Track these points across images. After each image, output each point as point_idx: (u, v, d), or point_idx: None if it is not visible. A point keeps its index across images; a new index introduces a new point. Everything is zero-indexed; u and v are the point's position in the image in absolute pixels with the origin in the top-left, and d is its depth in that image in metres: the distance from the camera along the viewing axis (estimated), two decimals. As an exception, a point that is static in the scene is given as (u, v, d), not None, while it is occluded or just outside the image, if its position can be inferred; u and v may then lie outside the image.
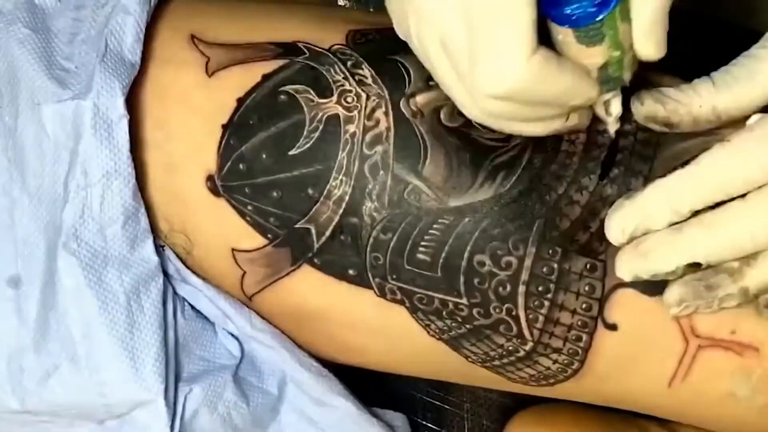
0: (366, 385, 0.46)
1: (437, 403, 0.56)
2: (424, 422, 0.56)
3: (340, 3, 0.60)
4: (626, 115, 0.36)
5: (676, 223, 0.34)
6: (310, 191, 0.39)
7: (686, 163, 0.33)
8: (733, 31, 0.55)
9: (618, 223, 0.35)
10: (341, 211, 0.38)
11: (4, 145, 0.39)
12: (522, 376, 0.40)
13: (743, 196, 0.32)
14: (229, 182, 0.40)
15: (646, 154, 0.37)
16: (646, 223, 0.34)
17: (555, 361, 0.38)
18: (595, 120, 0.37)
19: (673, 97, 0.35)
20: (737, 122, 0.34)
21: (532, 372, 0.39)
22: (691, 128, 0.35)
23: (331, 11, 0.45)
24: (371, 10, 0.59)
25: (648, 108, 0.35)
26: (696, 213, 0.33)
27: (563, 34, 0.32)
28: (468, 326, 0.39)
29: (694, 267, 0.34)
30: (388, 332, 0.40)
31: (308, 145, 0.39)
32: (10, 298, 0.39)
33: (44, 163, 0.39)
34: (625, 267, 0.35)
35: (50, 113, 0.38)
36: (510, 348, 0.39)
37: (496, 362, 0.40)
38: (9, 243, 0.39)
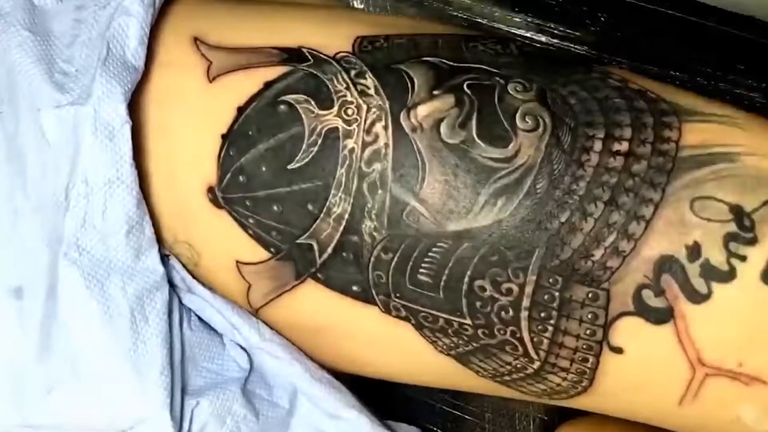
0: (382, 395, 0.44)
1: (457, 413, 0.55)
2: (443, 432, 0.55)
3: (356, 5, 0.58)
4: (642, 137, 0.35)
5: None
6: (310, 207, 0.37)
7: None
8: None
9: None
10: (342, 228, 0.37)
11: (6, 153, 0.38)
12: (534, 391, 0.39)
13: None
14: (229, 194, 0.38)
15: (658, 181, 0.35)
16: None
17: (564, 379, 0.37)
18: (610, 139, 0.35)
19: None
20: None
21: (544, 387, 0.38)
22: None
23: (340, 13, 0.43)
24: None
25: None
26: None
27: None
28: (475, 344, 0.37)
29: None
30: (396, 348, 0.39)
31: (307, 159, 0.37)
32: (12, 310, 0.37)
33: (45, 171, 0.38)
34: None
35: (50, 119, 0.37)
36: (518, 366, 0.37)
37: (507, 378, 0.38)
38: (11, 253, 0.38)
